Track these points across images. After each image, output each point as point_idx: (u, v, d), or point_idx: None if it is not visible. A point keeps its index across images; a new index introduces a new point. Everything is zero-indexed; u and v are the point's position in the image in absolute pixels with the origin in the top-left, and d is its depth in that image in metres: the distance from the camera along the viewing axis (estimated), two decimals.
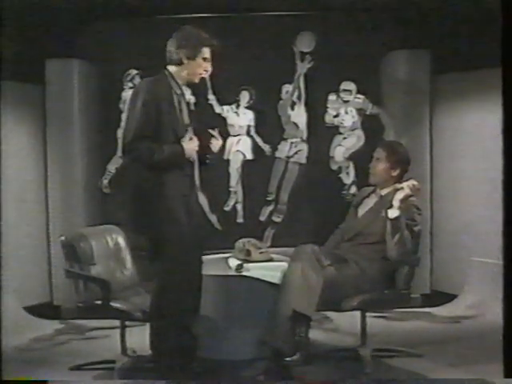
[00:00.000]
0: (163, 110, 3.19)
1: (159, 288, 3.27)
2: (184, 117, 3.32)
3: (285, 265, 3.55)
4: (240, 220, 5.40)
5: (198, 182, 3.36)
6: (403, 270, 3.55)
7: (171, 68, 3.31)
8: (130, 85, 5.29)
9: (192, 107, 3.46)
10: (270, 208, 5.40)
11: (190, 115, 3.37)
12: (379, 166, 3.70)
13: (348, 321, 4.22)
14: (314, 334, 3.83)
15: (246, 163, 5.36)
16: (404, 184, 3.52)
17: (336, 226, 3.92)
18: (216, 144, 3.39)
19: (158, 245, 3.22)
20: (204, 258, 3.48)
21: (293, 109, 5.39)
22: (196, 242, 3.33)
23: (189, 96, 3.49)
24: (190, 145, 3.25)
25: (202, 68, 3.29)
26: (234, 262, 3.86)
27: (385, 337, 4.15)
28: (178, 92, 3.31)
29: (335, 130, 5.40)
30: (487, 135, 4.79)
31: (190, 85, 3.42)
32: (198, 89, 3.53)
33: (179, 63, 3.28)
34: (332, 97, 5.37)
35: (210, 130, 3.40)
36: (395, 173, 3.69)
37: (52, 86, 5.16)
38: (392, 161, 3.68)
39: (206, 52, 3.28)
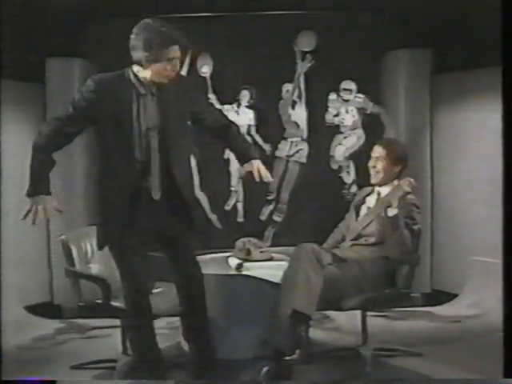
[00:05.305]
0: (108, 108, 2.98)
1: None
2: (148, 119, 3.02)
3: (285, 264, 3.55)
4: (240, 219, 5.40)
5: (154, 169, 3.07)
6: (403, 269, 3.56)
7: (134, 67, 3.04)
8: None
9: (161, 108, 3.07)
10: (271, 207, 5.41)
11: (161, 117, 3.04)
12: (381, 164, 3.69)
13: (348, 320, 4.23)
14: (315, 334, 3.83)
15: None
16: (401, 182, 3.53)
17: (336, 225, 3.93)
18: None
19: None
20: (204, 257, 3.47)
21: (293, 108, 5.39)
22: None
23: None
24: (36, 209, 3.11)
25: (169, 69, 2.99)
26: (234, 262, 3.85)
27: (385, 336, 4.14)
28: (142, 92, 3.03)
29: (336, 129, 5.40)
30: (487, 135, 4.79)
31: (159, 85, 3.05)
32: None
33: (141, 65, 3.00)
34: (332, 96, 5.37)
35: None
36: (397, 169, 3.70)
37: (52, 85, 5.15)
38: (393, 158, 3.68)
39: (171, 52, 2.95)
